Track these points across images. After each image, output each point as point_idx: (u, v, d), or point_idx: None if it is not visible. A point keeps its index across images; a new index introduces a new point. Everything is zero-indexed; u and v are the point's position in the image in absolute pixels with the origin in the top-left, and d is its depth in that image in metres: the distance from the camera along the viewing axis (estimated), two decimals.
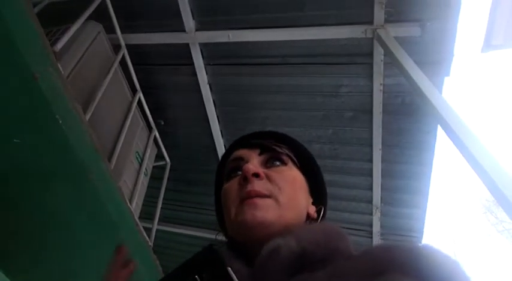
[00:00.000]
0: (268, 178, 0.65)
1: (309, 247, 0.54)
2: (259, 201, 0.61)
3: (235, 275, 0.53)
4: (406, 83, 2.28)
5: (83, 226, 2.04)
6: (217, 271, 0.43)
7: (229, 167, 0.73)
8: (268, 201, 0.62)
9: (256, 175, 0.64)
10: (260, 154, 0.71)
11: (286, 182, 0.66)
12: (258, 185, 0.63)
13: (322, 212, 0.73)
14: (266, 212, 0.60)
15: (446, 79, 2.54)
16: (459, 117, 1.74)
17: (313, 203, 0.72)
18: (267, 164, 0.70)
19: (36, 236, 2.05)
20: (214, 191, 0.79)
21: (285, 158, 0.71)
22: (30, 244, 2.09)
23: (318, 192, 0.76)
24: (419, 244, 0.53)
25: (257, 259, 0.55)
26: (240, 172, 0.68)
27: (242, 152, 0.73)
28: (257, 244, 0.57)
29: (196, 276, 0.43)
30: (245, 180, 0.64)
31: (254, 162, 0.68)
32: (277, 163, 0.70)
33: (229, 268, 0.43)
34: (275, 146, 0.72)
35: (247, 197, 0.62)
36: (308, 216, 0.68)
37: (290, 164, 0.72)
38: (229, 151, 0.78)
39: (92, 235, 2.08)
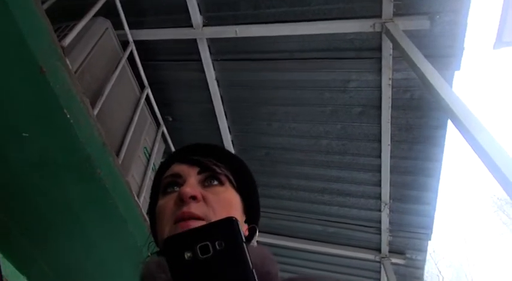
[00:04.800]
0: (205, 200, 0.67)
1: None
2: (193, 223, 0.63)
3: None
4: (416, 78, 2.25)
5: (92, 219, 2.06)
6: (231, 243, 0.42)
7: (166, 181, 0.73)
8: (202, 223, 0.63)
9: (194, 198, 0.66)
10: (199, 173, 0.72)
11: (222, 205, 0.68)
12: (194, 208, 0.65)
13: (254, 231, 0.76)
14: None
15: (457, 73, 2.51)
16: (470, 112, 1.70)
17: (246, 221, 0.74)
18: (205, 183, 0.71)
19: (45, 228, 2.07)
20: (149, 202, 0.80)
21: (223, 178, 0.72)
22: (40, 236, 2.11)
23: (252, 211, 0.78)
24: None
25: None
26: (176, 188, 0.70)
27: (181, 169, 0.73)
28: None
29: (208, 242, 0.42)
30: (181, 201, 0.66)
31: (192, 181, 0.70)
32: (215, 183, 0.71)
33: (245, 244, 0.43)
34: (214, 165, 0.73)
35: (181, 219, 0.64)
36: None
37: (227, 184, 0.73)
38: (167, 163, 0.78)
39: (101, 228, 2.11)
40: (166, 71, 3.15)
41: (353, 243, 3.80)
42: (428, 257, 3.81)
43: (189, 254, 0.42)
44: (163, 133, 3.31)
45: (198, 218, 0.64)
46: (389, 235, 3.63)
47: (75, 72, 2.05)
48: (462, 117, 1.70)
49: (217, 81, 3.06)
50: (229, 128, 3.33)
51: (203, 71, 2.99)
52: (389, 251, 3.73)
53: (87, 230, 2.10)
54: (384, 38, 2.45)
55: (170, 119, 3.43)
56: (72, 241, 2.16)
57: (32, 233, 2.10)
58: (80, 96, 1.71)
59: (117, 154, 2.33)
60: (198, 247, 0.42)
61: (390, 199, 3.34)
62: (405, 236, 3.61)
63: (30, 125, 1.61)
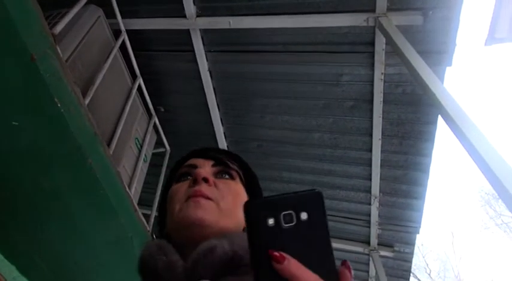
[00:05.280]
0: (216, 186, 0.71)
1: (239, 252, 0.59)
2: (203, 201, 0.67)
3: (177, 264, 0.59)
4: (408, 73, 2.26)
5: (82, 208, 2.05)
6: (315, 216, 0.41)
7: (182, 171, 0.78)
8: (211, 203, 0.68)
9: (206, 180, 0.70)
10: (213, 166, 0.77)
11: (230, 193, 0.72)
12: (205, 189, 0.69)
13: None
14: (206, 212, 0.66)
15: (448, 69, 2.53)
16: (461, 108, 1.72)
17: None
18: (217, 175, 0.75)
19: (35, 218, 2.06)
20: (161, 192, 0.84)
21: (234, 173, 0.77)
22: (30, 226, 2.10)
23: None
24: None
25: (191, 254, 0.60)
26: (190, 177, 0.74)
27: (196, 161, 0.78)
28: (192, 244, 0.62)
29: (292, 212, 0.41)
30: (194, 182, 0.70)
31: (206, 169, 0.74)
32: (226, 176, 0.76)
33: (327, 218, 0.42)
34: (228, 161, 0.78)
35: (193, 195, 0.68)
36: (244, 229, 0.72)
37: (237, 180, 0.78)
38: (184, 158, 0.83)
39: (91, 217, 2.10)
40: (158, 61, 3.13)
41: (343, 236, 3.85)
42: (416, 250, 3.87)
43: (272, 221, 0.41)
44: (155, 124, 3.29)
45: (208, 198, 0.68)
46: (379, 228, 3.67)
47: (66, 60, 2.03)
48: (452, 113, 1.71)
49: (210, 73, 3.04)
50: (221, 119, 3.33)
51: (196, 62, 2.97)
52: (378, 244, 3.78)
53: (78, 219, 2.09)
54: (377, 32, 2.46)
55: (162, 109, 3.41)
56: (62, 230, 2.15)
57: (21, 222, 2.09)
58: (71, 85, 1.69)
59: (108, 144, 2.32)
60: (282, 214, 0.41)
61: (380, 192, 3.38)
62: (394, 229, 3.66)
63: (21, 114, 1.59)
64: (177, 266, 0.59)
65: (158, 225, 0.81)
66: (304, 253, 0.40)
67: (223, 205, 0.68)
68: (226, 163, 0.77)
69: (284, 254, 0.39)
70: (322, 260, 0.41)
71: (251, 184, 0.81)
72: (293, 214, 0.41)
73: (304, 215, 0.41)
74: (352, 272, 0.41)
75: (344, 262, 0.41)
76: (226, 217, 0.67)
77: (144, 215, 2.58)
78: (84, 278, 2.46)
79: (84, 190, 1.96)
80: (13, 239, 2.17)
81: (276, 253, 0.39)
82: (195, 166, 0.76)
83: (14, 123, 1.60)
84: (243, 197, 0.75)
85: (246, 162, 0.85)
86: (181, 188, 0.72)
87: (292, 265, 0.39)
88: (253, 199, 0.44)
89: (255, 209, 0.42)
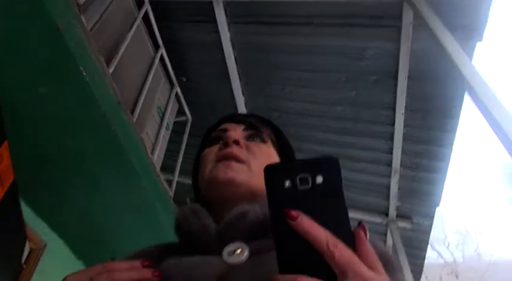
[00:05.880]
0: (247, 148, 0.72)
1: None
2: (234, 163, 0.68)
3: (211, 226, 0.62)
4: (435, 48, 2.19)
5: (106, 173, 2.15)
6: (331, 181, 0.43)
7: (214, 136, 0.79)
8: (242, 165, 0.69)
9: (236, 143, 0.71)
10: (244, 130, 0.77)
11: (261, 156, 0.72)
12: (236, 150, 0.70)
13: None
14: (237, 173, 0.67)
15: (479, 45, 2.42)
16: (488, 86, 1.67)
17: None
18: (249, 138, 0.76)
19: (61, 180, 2.17)
20: (195, 157, 0.85)
21: (265, 137, 0.78)
22: (57, 186, 2.21)
23: None
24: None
25: (224, 218, 0.61)
26: (222, 141, 0.74)
27: (228, 125, 0.79)
28: (224, 205, 0.64)
29: (308, 175, 0.43)
30: (225, 145, 0.71)
31: (237, 133, 0.75)
32: (258, 140, 0.77)
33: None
34: (259, 125, 0.79)
35: (224, 157, 0.69)
36: None
37: (269, 143, 0.78)
38: (216, 124, 0.84)
39: (115, 183, 2.20)
40: (181, 32, 3.12)
41: (361, 206, 3.86)
42: (435, 222, 3.85)
43: (288, 183, 0.43)
44: (176, 93, 3.34)
45: (239, 161, 0.69)
46: (398, 201, 3.68)
47: (91, 30, 2.06)
48: (478, 91, 1.67)
49: (232, 43, 3.02)
50: (242, 91, 3.33)
51: (218, 33, 2.94)
52: (397, 216, 3.79)
53: (102, 184, 2.19)
54: (405, 5, 2.36)
55: (184, 79, 3.44)
56: (87, 194, 2.26)
57: (49, 183, 2.21)
58: (95, 54, 1.73)
59: (132, 111, 2.38)
60: (298, 177, 0.43)
61: (401, 166, 3.36)
62: (413, 202, 3.65)
63: (47, 82, 1.65)
64: (210, 229, 0.61)
65: (193, 190, 0.83)
66: (318, 214, 0.42)
67: (254, 167, 0.69)
68: (258, 127, 0.78)
69: (298, 212, 0.41)
70: (336, 220, 0.42)
71: (283, 148, 0.81)
72: (309, 177, 0.43)
73: (319, 179, 0.43)
74: (368, 234, 0.42)
75: (360, 224, 0.43)
76: (257, 179, 0.67)
77: (167, 181, 2.68)
78: (109, 240, 2.59)
79: (109, 155, 2.05)
80: (42, 198, 2.29)
81: (290, 210, 0.41)
82: (226, 130, 0.76)
83: (40, 90, 1.66)
84: (275, 160, 0.76)
85: (278, 127, 0.85)
86: (212, 151, 0.74)
87: (305, 221, 0.40)
88: (273, 163, 0.46)
89: (273, 171, 0.44)
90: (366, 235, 0.42)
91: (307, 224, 0.40)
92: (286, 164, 0.46)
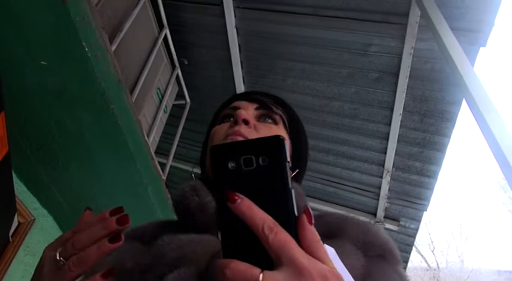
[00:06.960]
0: (256, 129, 0.70)
1: None
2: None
3: (209, 205, 0.61)
4: (438, 50, 2.19)
5: (101, 151, 2.14)
6: (275, 161, 0.42)
7: (224, 113, 0.77)
8: None
9: (246, 122, 0.69)
10: (256, 109, 0.75)
11: None
12: (244, 130, 0.68)
13: (297, 175, 0.79)
14: None
15: (482, 50, 2.43)
16: (487, 94, 1.67)
17: (291, 168, 0.79)
18: (260, 119, 0.74)
19: (57, 153, 2.16)
20: (206, 133, 0.83)
21: (277, 118, 0.75)
22: (52, 161, 2.21)
23: (299, 158, 0.81)
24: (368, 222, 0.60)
25: None
26: (232, 119, 0.72)
27: (240, 103, 0.77)
28: None
29: (252, 156, 0.42)
30: (235, 123, 0.70)
31: (249, 112, 0.73)
32: (269, 121, 0.74)
33: (288, 164, 0.42)
34: (273, 105, 0.76)
35: (231, 135, 0.67)
36: None
37: (280, 125, 0.76)
38: (229, 101, 0.82)
39: (109, 160, 2.19)
40: (186, 13, 3.09)
41: (350, 204, 3.90)
42: (422, 226, 3.91)
43: (232, 164, 0.42)
44: (177, 76, 3.31)
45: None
46: (387, 202, 3.71)
47: (96, 5, 2.04)
48: (476, 97, 1.68)
49: (237, 29, 3.00)
50: (243, 78, 3.32)
51: (224, 17, 2.92)
52: (385, 217, 3.84)
53: (96, 161, 2.19)
54: (413, 3, 2.36)
55: (186, 62, 3.41)
56: (81, 169, 2.26)
57: (43, 156, 2.20)
58: (99, 30, 1.71)
59: (131, 91, 2.37)
60: (242, 158, 0.42)
61: (393, 167, 3.39)
62: (402, 204, 3.69)
63: (49, 55, 1.64)
64: (209, 207, 0.60)
65: (200, 166, 0.81)
66: (261, 196, 0.40)
67: None
68: (271, 107, 0.75)
69: (237, 194, 0.39)
70: (280, 203, 0.41)
71: (295, 131, 0.79)
72: (253, 158, 0.42)
73: (263, 160, 0.42)
74: (313, 218, 0.40)
75: (304, 207, 0.40)
76: None
77: (160, 163, 2.68)
78: None
79: (105, 133, 2.04)
80: (35, 172, 2.28)
81: (230, 193, 0.39)
82: (237, 108, 0.74)
83: (42, 63, 1.65)
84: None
85: (292, 109, 0.83)
86: (222, 128, 0.72)
87: (243, 204, 0.39)
88: (218, 144, 0.44)
89: (218, 153, 0.43)
90: (310, 219, 0.39)
91: (245, 207, 0.38)
92: (231, 144, 0.43)
